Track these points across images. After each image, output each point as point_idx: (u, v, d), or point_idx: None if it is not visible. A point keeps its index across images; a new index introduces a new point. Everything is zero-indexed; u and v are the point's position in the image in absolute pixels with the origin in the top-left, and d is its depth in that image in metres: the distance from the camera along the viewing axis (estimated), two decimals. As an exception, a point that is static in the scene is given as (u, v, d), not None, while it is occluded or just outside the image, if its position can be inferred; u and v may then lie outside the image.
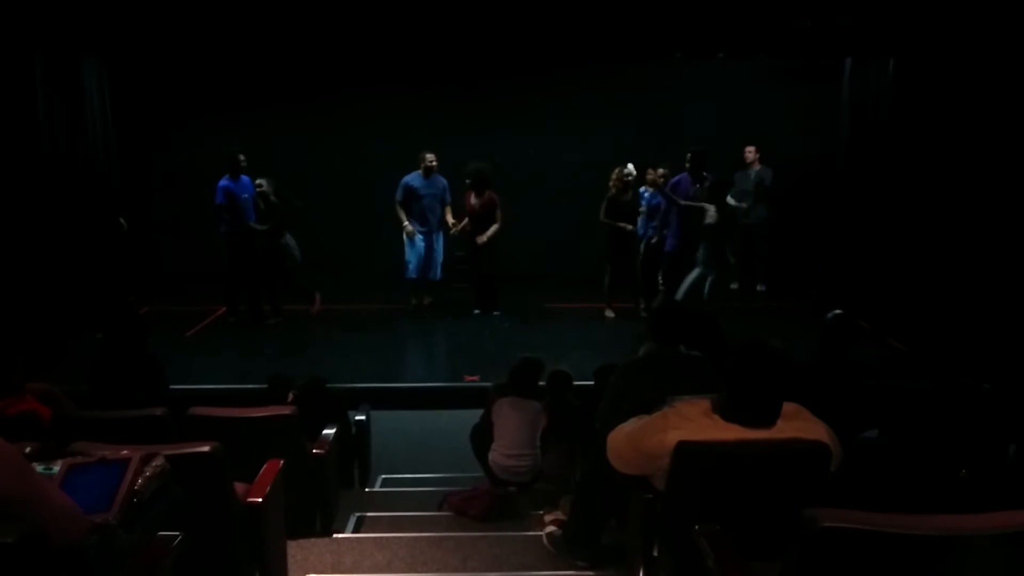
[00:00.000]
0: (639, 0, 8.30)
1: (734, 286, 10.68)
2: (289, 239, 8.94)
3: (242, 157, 8.90)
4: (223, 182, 8.78)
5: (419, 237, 9.53)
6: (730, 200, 10.48)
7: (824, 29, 8.43)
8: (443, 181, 9.57)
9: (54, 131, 8.65)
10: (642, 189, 9.87)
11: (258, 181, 8.82)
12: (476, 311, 9.59)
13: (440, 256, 9.72)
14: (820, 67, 10.38)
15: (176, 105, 10.74)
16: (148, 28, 8.30)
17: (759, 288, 10.52)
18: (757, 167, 10.29)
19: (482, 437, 5.33)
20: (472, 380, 7.28)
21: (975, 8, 7.87)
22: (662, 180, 9.44)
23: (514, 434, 5.17)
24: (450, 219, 9.57)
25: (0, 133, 8.23)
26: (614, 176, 9.16)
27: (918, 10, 8.18)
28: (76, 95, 8.91)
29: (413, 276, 9.62)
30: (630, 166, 9.63)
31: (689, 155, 8.75)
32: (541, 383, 5.60)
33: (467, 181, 9.25)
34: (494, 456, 5.19)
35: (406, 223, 9.47)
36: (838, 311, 4.51)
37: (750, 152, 10.29)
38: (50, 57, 8.50)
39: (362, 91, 10.83)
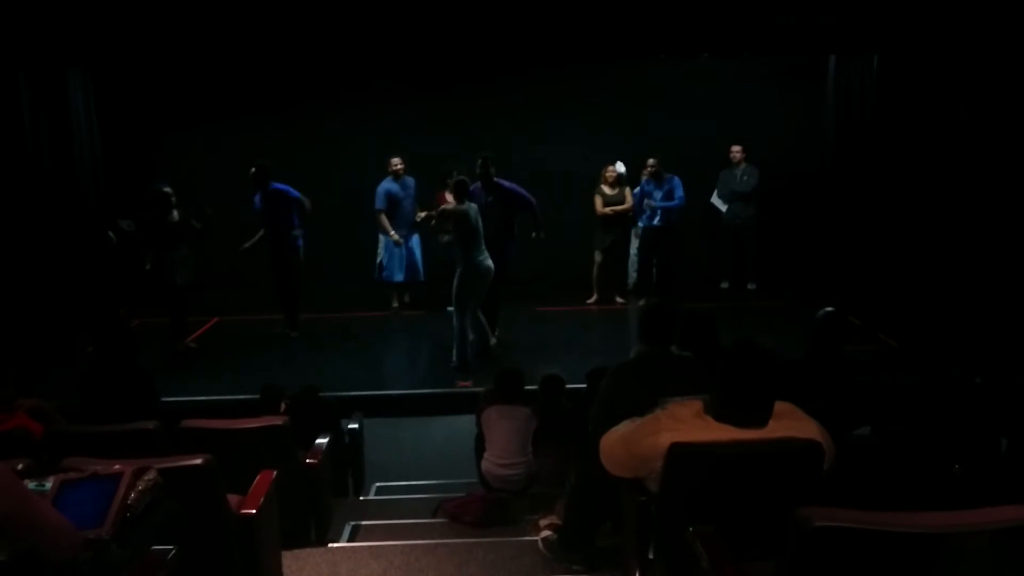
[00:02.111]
0: (624, 0, 8.30)
1: (724, 285, 10.72)
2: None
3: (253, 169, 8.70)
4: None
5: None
6: (714, 200, 10.54)
7: (808, 27, 8.45)
8: (412, 181, 9.79)
9: (40, 145, 8.61)
10: (636, 189, 10.15)
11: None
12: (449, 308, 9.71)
13: (420, 256, 9.92)
14: (805, 65, 10.41)
15: (162, 117, 10.71)
16: (133, 40, 8.26)
17: (750, 287, 10.57)
18: (743, 166, 10.35)
19: (480, 447, 5.33)
20: (465, 386, 7.28)
21: (959, 3, 7.90)
22: (652, 170, 9.79)
23: (504, 442, 5.16)
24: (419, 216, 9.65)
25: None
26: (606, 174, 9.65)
27: (901, 6, 8.21)
28: (62, 108, 8.87)
29: (399, 279, 9.80)
30: (620, 164, 9.77)
31: (480, 160, 8.15)
32: (533, 387, 5.62)
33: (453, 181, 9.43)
34: (486, 465, 5.19)
35: (393, 233, 9.58)
36: (829, 308, 4.52)
37: (736, 151, 10.34)
38: (35, 70, 8.46)
39: (348, 102, 10.82)
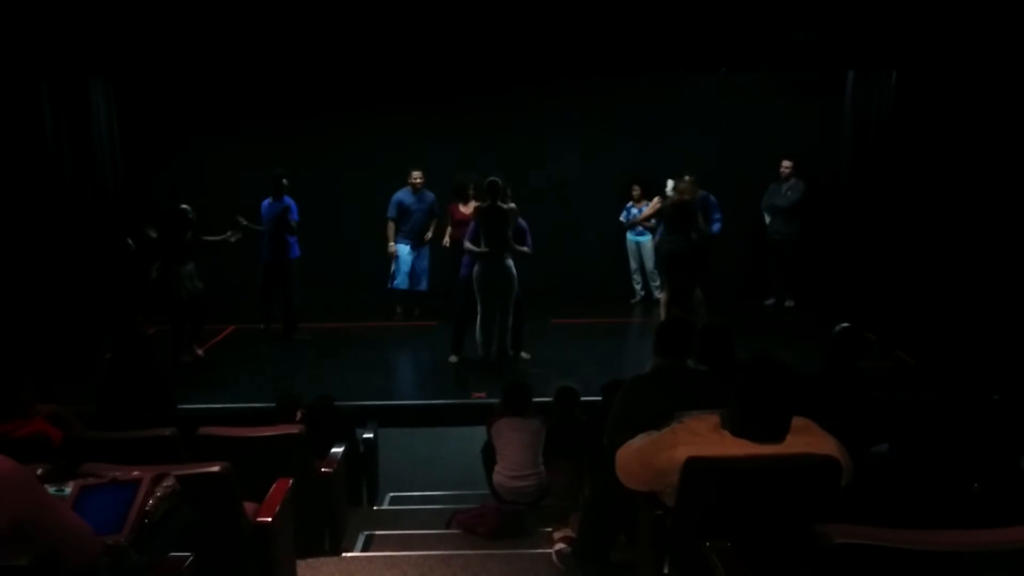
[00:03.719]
0: (643, 13, 8.31)
1: (769, 302, 10.56)
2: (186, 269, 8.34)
3: (285, 181, 8.98)
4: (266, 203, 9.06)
5: (407, 250, 9.87)
6: (764, 211, 10.44)
7: (826, 41, 8.43)
8: (431, 196, 9.92)
9: (61, 152, 8.68)
10: (629, 204, 10.48)
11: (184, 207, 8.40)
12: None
13: (426, 268, 10.04)
14: (823, 79, 10.38)
15: (183, 125, 10.78)
16: (155, 49, 8.32)
17: (787, 304, 10.45)
18: (791, 181, 10.22)
19: (489, 457, 5.33)
20: (479, 397, 7.28)
21: (978, 19, 7.88)
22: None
23: (516, 455, 5.17)
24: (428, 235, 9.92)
25: (8, 154, 8.26)
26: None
27: (920, 22, 8.18)
28: (83, 116, 8.94)
29: (403, 287, 9.97)
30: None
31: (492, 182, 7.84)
32: (548, 399, 5.62)
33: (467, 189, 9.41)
34: (498, 478, 5.19)
35: (391, 243, 9.78)
36: (845, 324, 4.51)
37: (786, 166, 10.21)
38: (57, 78, 8.55)
39: (366, 108, 10.85)
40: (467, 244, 7.95)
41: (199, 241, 8.34)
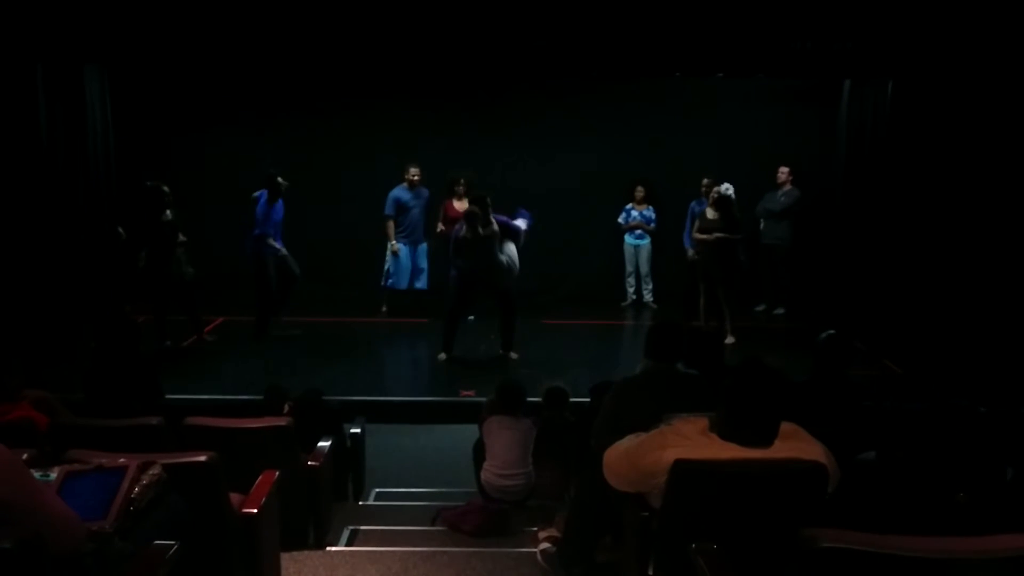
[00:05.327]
0: (640, 18, 8.32)
1: (759, 308, 10.55)
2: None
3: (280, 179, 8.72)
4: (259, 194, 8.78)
5: (406, 249, 9.81)
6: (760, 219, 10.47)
7: (823, 50, 8.47)
8: (426, 192, 9.88)
9: (55, 138, 8.64)
10: (628, 206, 10.55)
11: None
12: (471, 317, 9.61)
13: (425, 265, 9.99)
14: (819, 88, 10.41)
15: (177, 114, 10.73)
16: (151, 37, 8.31)
17: (776, 311, 10.41)
18: (787, 187, 10.23)
19: (480, 455, 5.33)
20: (468, 395, 7.27)
21: (973, 31, 7.93)
22: (706, 190, 9.58)
23: (505, 453, 5.16)
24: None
25: (0, 139, 8.23)
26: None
27: (917, 33, 8.23)
28: (78, 103, 8.90)
29: (402, 286, 9.90)
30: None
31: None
32: (537, 399, 5.62)
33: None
34: (486, 475, 5.18)
35: (393, 242, 9.70)
36: (831, 331, 4.52)
37: (782, 172, 10.21)
38: (52, 64, 8.51)
39: (363, 103, 10.83)
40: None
41: (176, 224, 8.22)
